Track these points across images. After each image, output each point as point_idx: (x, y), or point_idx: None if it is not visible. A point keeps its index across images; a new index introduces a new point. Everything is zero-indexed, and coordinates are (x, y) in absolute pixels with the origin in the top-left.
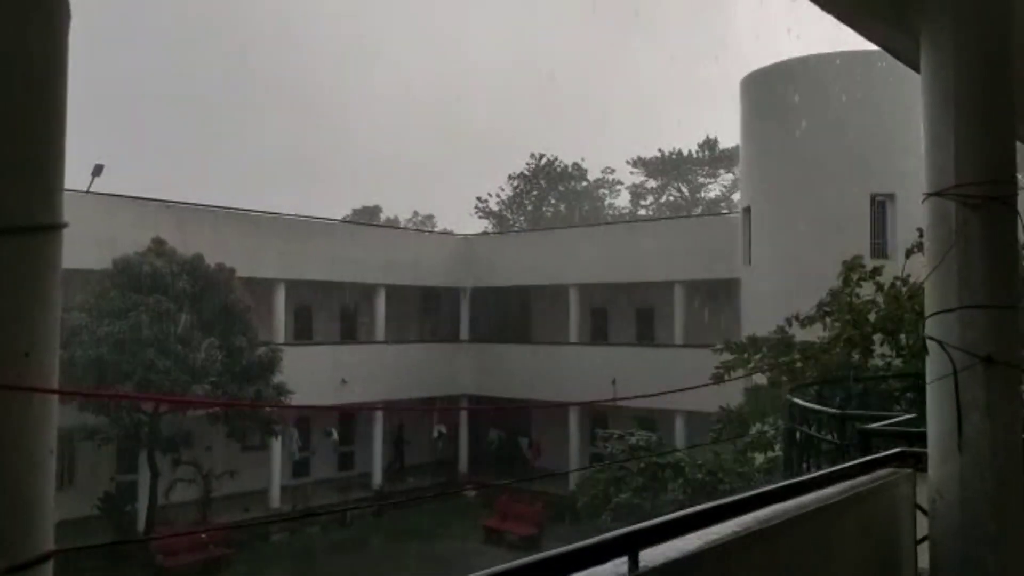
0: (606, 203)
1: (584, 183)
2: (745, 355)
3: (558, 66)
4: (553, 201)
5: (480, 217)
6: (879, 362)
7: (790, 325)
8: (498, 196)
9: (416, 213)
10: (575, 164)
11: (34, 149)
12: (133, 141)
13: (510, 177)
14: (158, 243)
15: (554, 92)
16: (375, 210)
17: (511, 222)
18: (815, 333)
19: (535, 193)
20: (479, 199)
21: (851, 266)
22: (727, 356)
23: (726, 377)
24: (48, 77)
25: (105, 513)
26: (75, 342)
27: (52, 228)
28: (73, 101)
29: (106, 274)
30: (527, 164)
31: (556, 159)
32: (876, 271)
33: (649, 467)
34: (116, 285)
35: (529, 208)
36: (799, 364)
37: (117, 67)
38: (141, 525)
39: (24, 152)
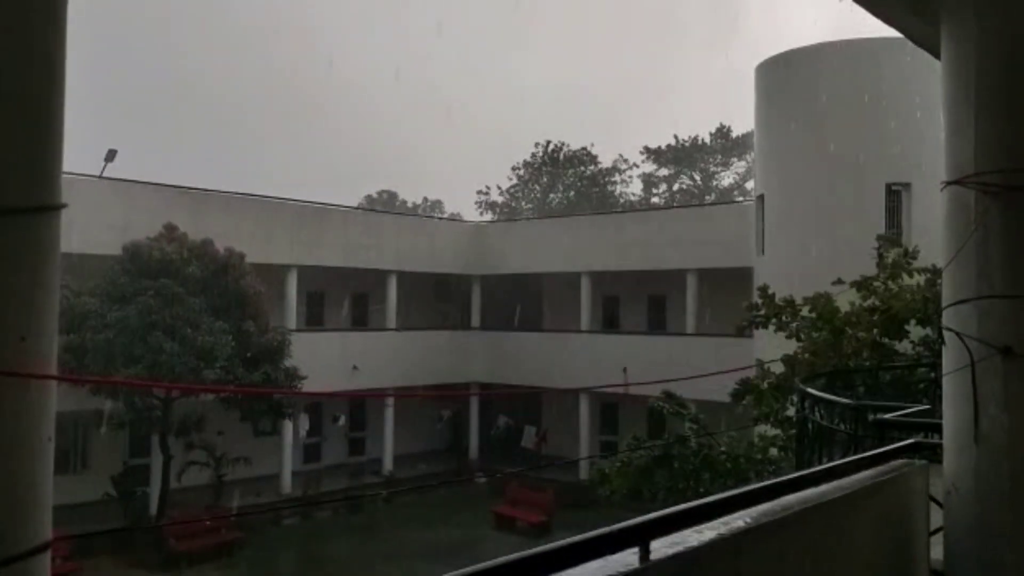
0: (617, 191)
1: (592, 168)
2: (778, 315)
3: (570, 56)
4: (561, 188)
5: (482, 212)
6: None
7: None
8: (499, 187)
9: (426, 199)
10: (583, 149)
11: (33, 131)
12: (148, 128)
13: (514, 168)
14: (169, 228)
15: (567, 83)
16: (392, 196)
17: (516, 211)
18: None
19: (544, 180)
20: (479, 191)
21: (889, 248)
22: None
23: (751, 328)
24: (47, 59)
25: (118, 497)
26: (85, 327)
27: (50, 209)
28: (91, 87)
29: (116, 259)
30: (533, 152)
31: (564, 145)
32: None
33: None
34: (126, 270)
35: (536, 196)
36: (832, 336)
37: (136, 55)
38: (153, 509)
39: (22, 134)
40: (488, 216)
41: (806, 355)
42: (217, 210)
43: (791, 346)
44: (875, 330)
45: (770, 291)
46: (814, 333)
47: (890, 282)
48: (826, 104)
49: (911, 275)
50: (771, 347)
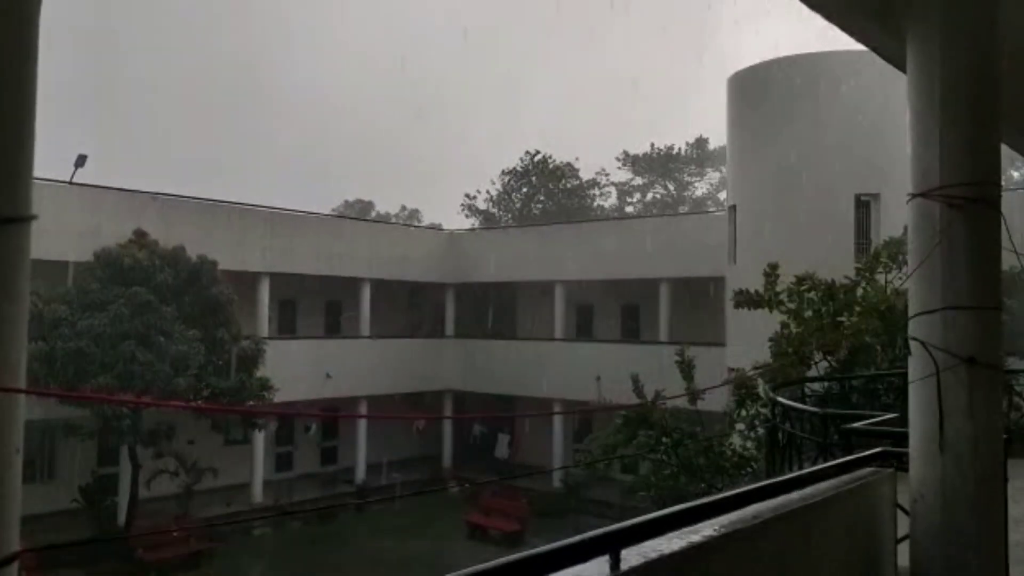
0: (595, 204)
1: (575, 182)
2: (780, 294)
3: (552, 64)
4: (542, 199)
5: (467, 216)
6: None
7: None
8: (488, 192)
9: (403, 207)
10: (568, 164)
11: (2, 143)
12: (121, 134)
13: (503, 172)
14: (140, 235)
15: (550, 90)
16: (368, 205)
17: (499, 219)
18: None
19: (525, 190)
20: (467, 195)
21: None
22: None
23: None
24: (16, 68)
25: (85, 507)
26: (55, 335)
27: (20, 220)
28: (61, 91)
29: (87, 266)
30: (520, 159)
31: (550, 157)
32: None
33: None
34: (97, 277)
35: (518, 205)
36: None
37: (109, 59)
38: (122, 519)
39: None
40: (473, 220)
41: (796, 332)
42: (189, 216)
43: (763, 353)
44: (877, 325)
45: (777, 271)
46: (810, 312)
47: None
48: (796, 115)
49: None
50: (742, 353)
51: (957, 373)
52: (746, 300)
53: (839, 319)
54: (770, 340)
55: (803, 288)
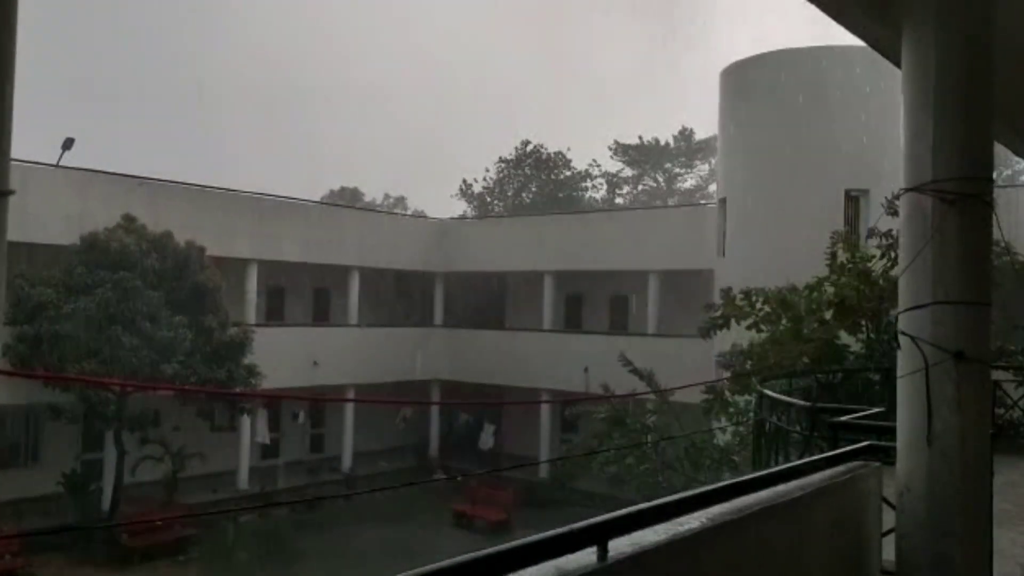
0: (587, 195)
1: (567, 173)
2: (736, 315)
3: (542, 54)
4: (535, 189)
5: (459, 199)
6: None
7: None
8: (483, 179)
9: (387, 195)
10: (559, 153)
11: None
12: (107, 117)
13: (500, 159)
14: (128, 219)
15: (536, 82)
16: (355, 193)
17: (491, 206)
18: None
19: (516, 182)
20: (464, 181)
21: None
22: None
23: (713, 332)
24: None
25: (70, 492)
26: (41, 318)
27: None
28: (50, 73)
29: (73, 250)
30: (516, 148)
31: (543, 147)
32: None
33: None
34: (83, 261)
35: (510, 194)
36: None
37: (97, 42)
38: (106, 504)
39: None
40: (465, 206)
41: (767, 346)
42: (177, 201)
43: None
44: (830, 321)
45: (732, 293)
46: (778, 326)
47: (842, 278)
48: (788, 109)
49: (862, 275)
50: (728, 345)
51: (946, 367)
52: (714, 323)
53: (800, 328)
54: (718, 356)
55: (753, 301)
